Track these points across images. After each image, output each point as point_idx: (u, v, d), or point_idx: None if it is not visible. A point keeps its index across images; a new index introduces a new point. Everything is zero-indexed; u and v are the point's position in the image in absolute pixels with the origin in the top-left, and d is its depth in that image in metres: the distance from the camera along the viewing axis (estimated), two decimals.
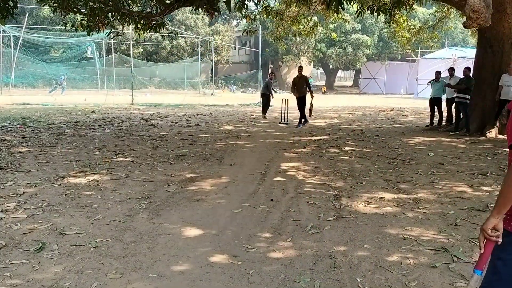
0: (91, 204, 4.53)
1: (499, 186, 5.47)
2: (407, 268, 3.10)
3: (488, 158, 7.43)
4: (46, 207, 4.38)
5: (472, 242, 3.61)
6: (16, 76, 25.12)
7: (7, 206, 4.35)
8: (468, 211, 4.45)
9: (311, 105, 12.32)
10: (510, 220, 1.73)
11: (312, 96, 12.01)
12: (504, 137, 9.91)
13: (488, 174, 6.14)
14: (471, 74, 10.60)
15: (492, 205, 4.57)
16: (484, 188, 5.40)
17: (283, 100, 13.24)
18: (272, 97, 14.73)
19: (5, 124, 10.86)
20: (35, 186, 5.16)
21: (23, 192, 4.87)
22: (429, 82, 12.38)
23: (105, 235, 3.67)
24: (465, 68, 10.70)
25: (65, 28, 10.34)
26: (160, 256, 3.28)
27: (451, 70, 11.61)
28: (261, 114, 14.72)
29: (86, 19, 9.74)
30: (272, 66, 43.18)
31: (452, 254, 3.34)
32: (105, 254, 3.28)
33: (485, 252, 1.76)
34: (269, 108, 15.13)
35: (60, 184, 5.27)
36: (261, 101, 15.39)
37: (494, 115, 10.28)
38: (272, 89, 15.00)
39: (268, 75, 15.83)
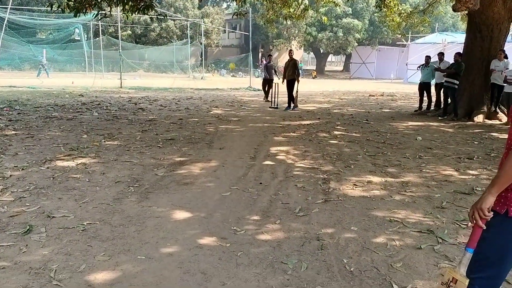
0: (79, 187, 4.51)
1: (485, 170, 5.56)
2: (392, 250, 3.16)
3: (475, 142, 7.53)
4: (33, 190, 4.35)
5: (457, 224, 3.68)
6: (2, 58, 24.63)
7: None
8: (454, 194, 4.52)
9: (297, 92, 12.26)
10: (499, 201, 1.74)
11: (297, 81, 11.96)
12: (491, 122, 10.03)
13: (474, 158, 6.22)
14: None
15: (478, 189, 4.66)
16: (471, 172, 5.48)
17: (274, 84, 13.23)
18: (281, 80, 13.26)
19: None
20: (22, 169, 5.11)
21: (10, 175, 4.83)
22: (419, 66, 12.43)
23: (93, 218, 3.66)
24: (456, 53, 10.74)
25: (51, 9, 10.09)
26: (149, 238, 3.29)
27: (441, 55, 11.64)
28: (263, 98, 14.83)
29: (73, 0, 9.51)
30: (262, 50, 42.89)
31: (437, 236, 3.40)
32: (93, 237, 3.28)
33: (477, 230, 1.78)
34: (259, 92, 15.09)
35: (48, 167, 5.22)
36: (266, 88, 14.88)
37: (483, 99, 10.37)
38: (274, 71, 14.88)
39: (267, 58, 15.67)
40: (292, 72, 12.07)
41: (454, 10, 7.77)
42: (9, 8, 22.34)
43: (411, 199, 4.35)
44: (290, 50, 12.80)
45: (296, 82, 11.99)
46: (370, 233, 3.47)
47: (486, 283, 1.81)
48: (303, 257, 3.02)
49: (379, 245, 3.23)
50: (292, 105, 12.27)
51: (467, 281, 1.79)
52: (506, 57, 10.00)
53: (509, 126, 1.80)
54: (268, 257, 3.02)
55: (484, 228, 1.76)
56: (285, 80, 12.37)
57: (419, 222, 3.71)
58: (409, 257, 3.04)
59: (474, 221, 1.76)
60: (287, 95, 12.36)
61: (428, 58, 12.11)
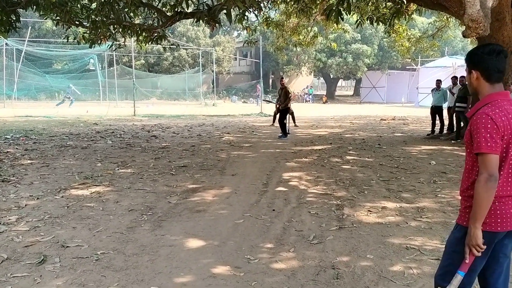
0: (93, 216, 4.53)
1: None
2: (410, 278, 3.08)
3: None
4: (48, 219, 4.38)
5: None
6: (19, 88, 25.26)
7: (9, 219, 4.35)
8: None
9: (292, 113, 12.46)
10: (464, 216, 2.00)
11: (286, 106, 11.85)
12: None
13: None
14: None
15: None
16: None
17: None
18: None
19: (8, 136, 10.89)
20: (37, 198, 5.17)
21: (25, 205, 4.88)
22: (432, 90, 12.44)
23: (107, 247, 3.66)
24: (461, 77, 10.76)
25: (67, 41, 10.41)
26: (162, 268, 3.27)
27: (454, 79, 11.64)
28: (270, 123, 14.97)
29: (88, 31, 9.82)
30: (273, 76, 43.35)
31: None
32: (107, 267, 3.27)
33: (471, 257, 1.96)
34: (270, 117, 15.13)
35: (62, 196, 5.27)
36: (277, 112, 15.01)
37: None
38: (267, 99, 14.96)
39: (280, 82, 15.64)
40: (284, 100, 11.91)
41: (464, 36, 7.79)
42: (26, 40, 23.10)
43: (427, 225, 4.27)
44: (281, 77, 12.71)
45: (288, 110, 11.93)
46: (387, 261, 3.40)
47: None
48: (318, 286, 2.97)
49: (396, 274, 3.16)
50: (281, 134, 11.97)
51: None
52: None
53: None
54: (283, 286, 2.97)
55: (480, 255, 1.94)
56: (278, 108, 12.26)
57: (437, 249, 3.62)
58: (427, 286, 2.96)
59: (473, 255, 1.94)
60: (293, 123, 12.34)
61: (439, 82, 12.11)
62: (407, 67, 34.35)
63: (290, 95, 12.17)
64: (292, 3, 11.20)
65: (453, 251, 2.04)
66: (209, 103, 30.34)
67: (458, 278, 1.96)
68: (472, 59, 2.02)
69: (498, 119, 1.87)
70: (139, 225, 4.24)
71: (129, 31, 9.73)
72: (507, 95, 2.00)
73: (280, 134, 11.65)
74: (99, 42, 10.02)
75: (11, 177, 6.24)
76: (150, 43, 10.76)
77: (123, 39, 10.69)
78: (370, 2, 10.86)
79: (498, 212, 1.93)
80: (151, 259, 3.43)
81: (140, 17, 10.70)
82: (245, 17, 9.29)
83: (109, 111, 20.35)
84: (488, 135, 1.85)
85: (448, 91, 11.67)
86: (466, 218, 1.98)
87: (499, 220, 1.93)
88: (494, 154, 1.85)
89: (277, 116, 12.74)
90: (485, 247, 1.91)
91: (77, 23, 9.17)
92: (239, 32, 45.11)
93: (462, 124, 10.79)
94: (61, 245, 3.68)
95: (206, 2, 8.70)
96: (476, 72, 2.00)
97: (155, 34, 10.31)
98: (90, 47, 10.24)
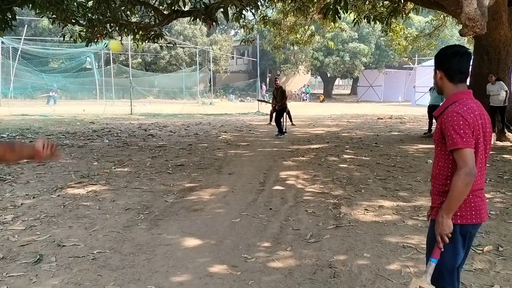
0: (89, 215, 4.51)
1: (498, 193, 5.47)
2: (407, 277, 3.08)
3: (487, 165, 7.42)
4: (44, 218, 4.36)
5: (472, 249, 3.60)
6: (15, 87, 25.13)
7: (5, 218, 4.33)
8: None
9: (288, 112, 12.59)
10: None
11: (283, 105, 11.86)
12: (502, 143, 9.94)
13: (487, 181, 6.13)
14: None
15: (492, 212, 4.58)
16: None
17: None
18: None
19: (3, 135, 10.85)
20: (33, 197, 5.14)
21: (21, 204, 4.85)
22: (430, 89, 12.48)
23: (103, 246, 3.65)
24: None
25: (63, 39, 10.39)
26: (159, 267, 3.26)
27: None
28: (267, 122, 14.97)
29: (84, 30, 9.79)
30: (270, 75, 43.35)
31: None
32: (103, 266, 3.26)
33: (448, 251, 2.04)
34: (267, 116, 15.14)
35: (59, 195, 5.25)
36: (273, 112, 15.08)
37: (493, 121, 10.34)
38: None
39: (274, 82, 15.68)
40: (280, 100, 11.90)
41: (461, 35, 7.81)
42: (23, 39, 23.00)
43: (424, 224, 4.27)
44: (275, 78, 12.76)
45: (285, 110, 11.97)
46: (384, 259, 3.40)
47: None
48: (315, 285, 2.97)
49: (393, 273, 3.16)
50: (278, 133, 11.99)
51: None
52: (498, 79, 10.10)
53: None
54: (280, 285, 2.97)
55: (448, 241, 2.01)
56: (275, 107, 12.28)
57: None
58: None
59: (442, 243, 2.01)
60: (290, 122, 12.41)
61: None
62: (404, 66, 34.41)
63: (286, 94, 12.18)
64: (289, 1, 11.20)
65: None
66: (206, 102, 30.30)
67: (432, 266, 2.04)
68: (437, 60, 2.09)
69: (467, 116, 1.94)
70: (135, 224, 4.23)
71: (125, 30, 9.71)
72: (470, 93, 2.06)
73: (277, 133, 11.67)
74: (95, 40, 9.99)
75: (6, 176, 6.21)
76: (147, 41, 10.74)
77: (119, 37, 10.65)
78: (367, 1, 10.86)
79: (473, 205, 2.02)
80: (148, 258, 3.42)
81: (136, 15, 10.67)
82: (242, 16, 9.28)
83: (106, 109, 20.29)
84: (462, 131, 1.91)
85: None
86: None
87: (473, 213, 2.02)
88: (471, 148, 1.92)
89: (274, 115, 12.77)
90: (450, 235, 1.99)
91: (74, 21, 9.14)
92: (236, 30, 45.09)
93: None
94: (57, 244, 3.66)
95: (203, 1, 8.68)
96: (440, 72, 2.07)
97: (152, 33, 10.28)
98: (87, 45, 10.22)
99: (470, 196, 2.00)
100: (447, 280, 2.08)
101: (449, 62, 2.03)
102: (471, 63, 2.14)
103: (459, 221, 2.01)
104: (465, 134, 1.91)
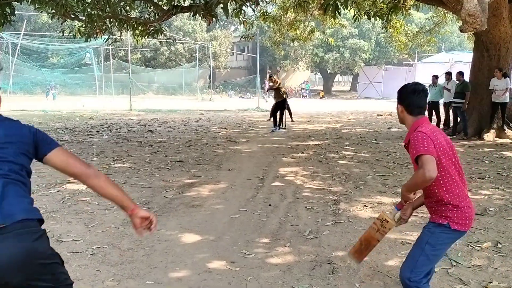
0: (88, 210, 4.51)
1: (497, 190, 5.48)
2: None
3: (486, 161, 7.44)
4: (43, 214, 4.32)
5: (470, 246, 3.60)
6: (14, 82, 25.12)
7: None
8: None
9: (288, 108, 12.78)
10: (435, 214, 2.27)
11: (282, 98, 11.99)
12: (502, 140, 9.93)
13: (486, 178, 6.13)
14: (467, 79, 10.73)
15: (490, 209, 4.59)
16: (482, 192, 5.39)
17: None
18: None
19: None
20: (33, 192, 5.12)
21: None
22: (429, 86, 12.43)
23: (102, 242, 3.65)
24: (457, 73, 10.79)
25: (63, 35, 10.35)
26: (158, 263, 3.26)
27: (448, 75, 11.65)
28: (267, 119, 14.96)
29: (84, 25, 9.75)
30: (270, 71, 43.29)
31: (450, 258, 3.33)
32: (102, 261, 3.26)
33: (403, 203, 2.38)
34: (267, 112, 15.12)
35: (58, 191, 5.25)
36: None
37: (492, 118, 10.31)
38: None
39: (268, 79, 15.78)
40: (277, 97, 12.04)
41: (461, 31, 7.78)
42: (22, 34, 22.94)
43: (423, 220, 4.27)
44: (270, 76, 12.85)
45: (284, 103, 12.05)
46: (382, 256, 3.40)
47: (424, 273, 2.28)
48: (314, 281, 2.97)
49: (392, 269, 3.17)
50: (275, 127, 12.09)
51: (394, 223, 2.38)
52: (505, 75, 10.00)
53: None
54: (278, 281, 2.97)
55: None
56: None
57: None
58: None
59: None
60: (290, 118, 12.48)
61: (435, 77, 12.11)
62: (404, 62, 34.36)
63: (282, 90, 12.21)
64: None
65: (426, 242, 2.27)
66: (206, 98, 30.29)
67: (398, 214, 2.44)
68: (399, 96, 2.38)
69: (430, 133, 2.16)
70: None
71: (125, 25, 9.67)
72: (428, 120, 2.37)
73: (273, 129, 11.82)
74: (95, 36, 9.96)
75: None
76: (146, 37, 10.70)
77: (119, 33, 10.62)
78: None
79: (467, 214, 2.24)
80: (147, 253, 3.42)
81: (136, 10, 10.62)
82: (242, 11, 9.24)
83: (105, 105, 20.28)
84: (425, 143, 2.10)
85: (441, 85, 11.68)
86: (443, 216, 2.24)
87: (466, 222, 2.24)
88: (430, 154, 2.07)
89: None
90: (413, 196, 2.28)
91: (73, 16, 9.10)
92: (236, 26, 44.95)
93: (459, 119, 10.81)
94: (56, 240, 3.66)
95: None
96: (401, 106, 2.36)
97: (152, 28, 10.25)
98: (86, 41, 10.19)
99: (464, 207, 2.25)
100: (419, 274, 2.27)
101: (408, 99, 2.31)
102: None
103: (457, 227, 2.22)
104: (427, 145, 2.09)
